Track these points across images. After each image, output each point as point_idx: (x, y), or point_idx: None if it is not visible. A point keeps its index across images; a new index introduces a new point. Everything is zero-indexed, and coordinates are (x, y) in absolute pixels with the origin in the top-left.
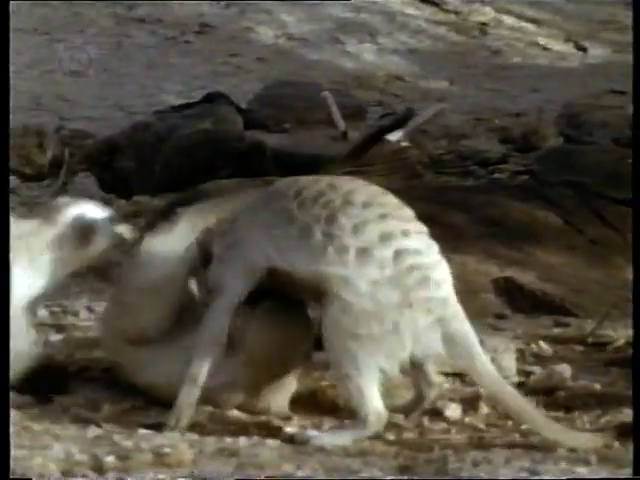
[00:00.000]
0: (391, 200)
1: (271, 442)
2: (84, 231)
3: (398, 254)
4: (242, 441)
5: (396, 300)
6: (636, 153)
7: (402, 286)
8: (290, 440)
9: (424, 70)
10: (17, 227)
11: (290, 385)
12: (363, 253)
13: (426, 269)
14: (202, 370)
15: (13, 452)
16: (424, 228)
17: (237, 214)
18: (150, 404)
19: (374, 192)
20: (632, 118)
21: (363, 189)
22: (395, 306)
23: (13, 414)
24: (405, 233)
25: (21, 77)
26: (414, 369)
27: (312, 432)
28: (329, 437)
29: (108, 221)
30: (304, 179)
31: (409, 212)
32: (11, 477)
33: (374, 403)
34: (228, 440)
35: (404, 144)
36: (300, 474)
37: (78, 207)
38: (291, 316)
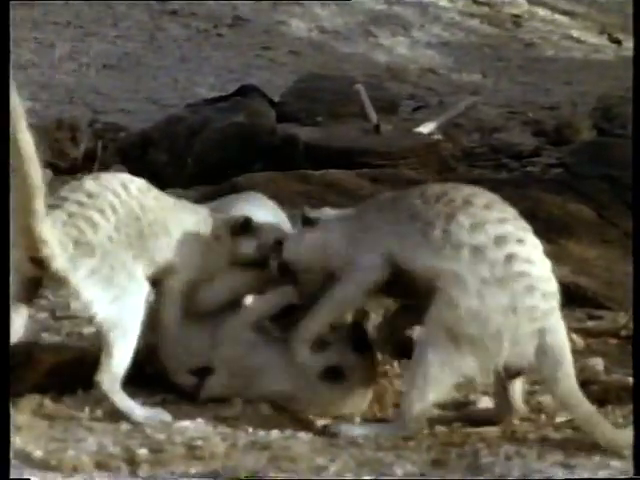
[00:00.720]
0: (511, 209)
1: (303, 435)
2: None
3: (509, 258)
4: (274, 434)
5: (502, 303)
6: (636, 152)
7: (509, 289)
8: (323, 432)
9: (457, 63)
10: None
11: None
12: (477, 252)
13: (535, 279)
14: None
15: (49, 445)
16: (540, 244)
17: (362, 210)
18: (181, 398)
19: (495, 198)
20: (632, 117)
21: (485, 194)
22: (501, 309)
23: (48, 405)
24: (520, 241)
25: (55, 71)
26: (499, 383)
27: (345, 425)
28: (361, 430)
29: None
30: (430, 184)
31: (525, 224)
32: (11, 477)
33: (423, 415)
34: (260, 433)
35: (437, 137)
36: (333, 467)
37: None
38: None
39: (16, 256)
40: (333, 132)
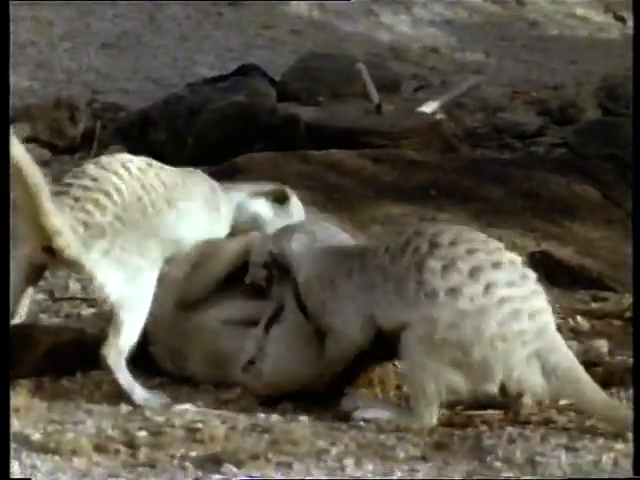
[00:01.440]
0: (478, 236)
1: (304, 418)
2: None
3: (488, 287)
4: (275, 417)
5: (487, 333)
6: (636, 152)
7: (493, 319)
8: (337, 413)
9: (460, 42)
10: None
11: None
12: (453, 292)
13: (519, 301)
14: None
15: (47, 427)
16: (517, 258)
17: (333, 274)
18: (179, 381)
19: (460, 230)
20: (632, 97)
21: (449, 229)
22: (486, 339)
23: (46, 387)
24: (495, 265)
25: (53, 50)
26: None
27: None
28: (373, 413)
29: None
30: (392, 237)
31: (498, 244)
32: (11, 477)
33: (434, 409)
34: (261, 416)
35: (440, 117)
36: (334, 450)
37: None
38: None
39: (26, 248)
40: (334, 112)
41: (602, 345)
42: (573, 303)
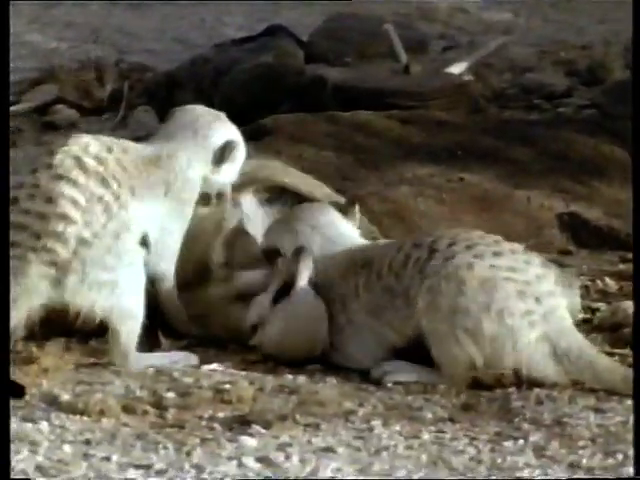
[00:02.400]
0: (475, 233)
1: (332, 379)
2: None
3: (492, 268)
4: (302, 378)
5: (495, 305)
6: (636, 151)
7: (499, 293)
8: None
9: (488, 1)
10: None
11: None
12: (458, 268)
13: (523, 284)
14: None
15: (76, 388)
16: (519, 246)
17: (344, 289)
18: (204, 343)
19: (456, 232)
20: (632, 115)
21: (446, 234)
22: (494, 310)
23: (74, 348)
24: (496, 254)
25: (80, 10)
26: None
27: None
28: (403, 376)
29: None
30: (388, 247)
31: (496, 237)
32: (12, 477)
33: (463, 373)
34: (288, 377)
35: (467, 78)
36: (361, 412)
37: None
38: None
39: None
40: (362, 73)
41: (629, 306)
42: (601, 264)
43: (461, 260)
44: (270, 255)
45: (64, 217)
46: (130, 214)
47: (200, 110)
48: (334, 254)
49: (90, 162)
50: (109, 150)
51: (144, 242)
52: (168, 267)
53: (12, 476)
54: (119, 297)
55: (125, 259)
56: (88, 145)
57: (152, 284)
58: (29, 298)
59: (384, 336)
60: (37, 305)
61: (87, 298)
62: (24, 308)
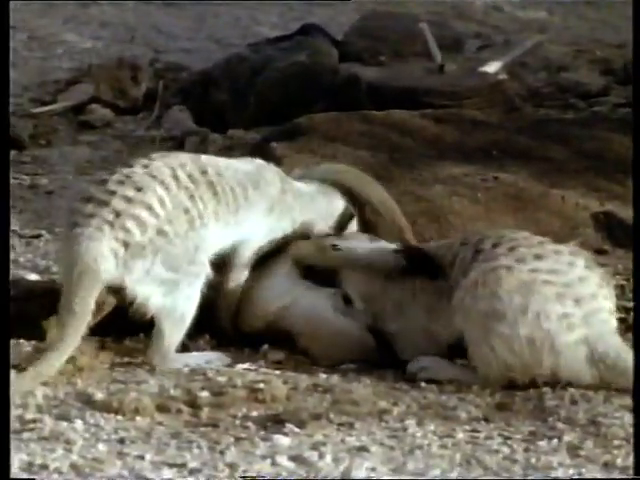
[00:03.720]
0: (520, 234)
1: (366, 378)
2: None
3: (532, 271)
4: (336, 377)
5: (531, 308)
6: (636, 151)
7: (537, 296)
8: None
9: (523, 0)
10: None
11: None
12: (496, 270)
13: (562, 287)
14: None
15: (110, 386)
16: (563, 248)
17: (399, 296)
18: (240, 343)
19: (502, 233)
20: (632, 114)
21: (493, 234)
22: (531, 313)
23: (109, 347)
24: (537, 256)
25: (116, 10)
26: None
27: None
28: (441, 373)
29: None
30: (440, 247)
31: (540, 239)
32: (12, 477)
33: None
34: (322, 376)
35: (502, 77)
36: (396, 410)
37: None
38: None
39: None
40: (396, 72)
41: None
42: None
43: (500, 262)
44: None
45: (149, 207)
46: (210, 234)
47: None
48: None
49: (183, 177)
50: (203, 172)
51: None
52: (243, 260)
53: (12, 476)
54: (175, 299)
55: (193, 269)
56: (185, 164)
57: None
58: (98, 269)
59: (439, 336)
60: (105, 278)
61: (146, 289)
62: (95, 280)
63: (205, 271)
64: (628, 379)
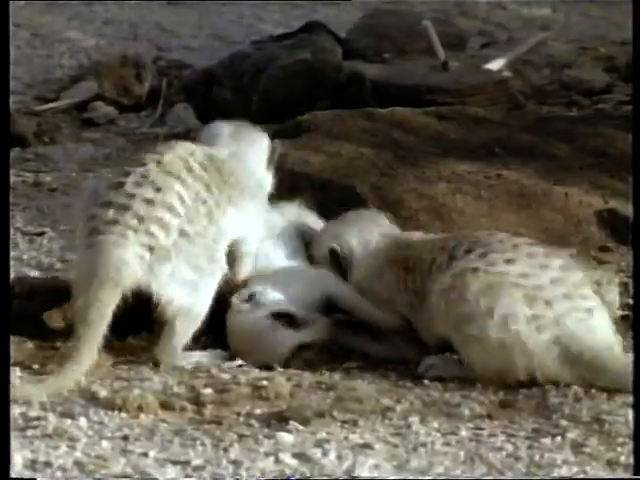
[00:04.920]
0: (495, 237)
1: (369, 376)
2: None
3: (499, 275)
4: (339, 375)
5: (498, 310)
6: (636, 152)
7: (504, 299)
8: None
9: None
10: None
11: None
12: (463, 272)
13: (533, 289)
14: None
15: (114, 384)
16: (539, 249)
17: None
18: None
19: (476, 238)
20: (632, 114)
21: (467, 238)
22: (498, 316)
23: (115, 344)
24: (508, 261)
25: (119, 8)
26: None
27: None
28: (449, 371)
29: None
30: (422, 247)
31: (516, 241)
32: (12, 477)
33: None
34: (326, 374)
35: (506, 74)
36: (399, 408)
37: None
38: None
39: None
40: (400, 69)
41: None
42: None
43: (468, 266)
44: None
45: (171, 208)
46: (227, 222)
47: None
48: (375, 255)
49: (196, 166)
50: (210, 159)
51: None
52: (251, 249)
53: (12, 475)
54: (196, 299)
55: (212, 267)
56: (194, 151)
57: None
58: (121, 278)
59: (422, 336)
60: (127, 285)
61: (171, 291)
62: (115, 290)
63: (222, 268)
64: (610, 378)
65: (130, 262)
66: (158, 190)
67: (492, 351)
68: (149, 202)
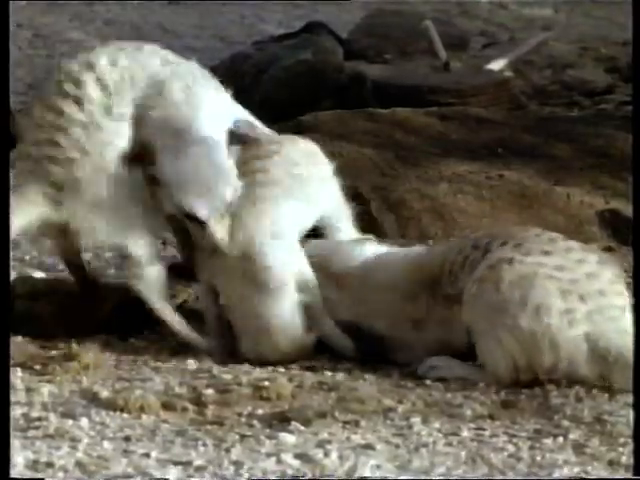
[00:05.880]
0: (531, 231)
1: (370, 376)
2: None
3: (535, 265)
4: (341, 375)
5: (532, 302)
6: (636, 152)
7: (538, 290)
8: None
9: None
10: None
11: None
12: (500, 262)
13: (568, 283)
14: None
15: (115, 384)
16: (575, 244)
17: (408, 310)
18: None
19: (513, 232)
20: (632, 114)
21: (503, 233)
22: (531, 307)
23: (114, 345)
24: (545, 252)
25: (121, 8)
26: None
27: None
28: (450, 372)
29: None
30: (448, 252)
31: (552, 235)
32: (12, 477)
33: (507, 370)
34: (327, 374)
35: (507, 74)
36: (401, 408)
37: None
38: None
39: None
40: (402, 69)
41: None
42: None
43: (503, 256)
44: None
45: (52, 142)
46: (106, 132)
47: None
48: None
49: (70, 87)
50: (113, 63)
51: None
52: None
53: (18, 474)
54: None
55: (112, 178)
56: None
57: None
58: (28, 208)
59: (453, 344)
60: (36, 215)
61: (86, 218)
62: (23, 216)
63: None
64: (626, 378)
65: (34, 199)
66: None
67: (521, 342)
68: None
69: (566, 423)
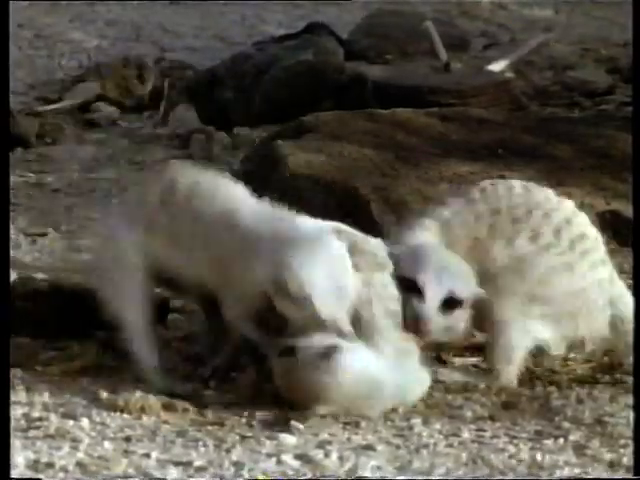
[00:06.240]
0: (550, 194)
1: None
2: None
3: (571, 243)
4: None
5: (574, 286)
6: (636, 153)
7: (578, 272)
8: None
9: None
10: None
11: None
12: (540, 250)
13: (593, 252)
14: None
15: (116, 385)
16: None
17: None
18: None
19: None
20: (632, 115)
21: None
22: (574, 292)
23: (116, 345)
24: (568, 220)
25: (122, 8)
26: None
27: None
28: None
29: None
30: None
31: (570, 203)
32: (12, 477)
33: (515, 370)
34: None
35: (508, 75)
36: (402, 409)
37: None
38: None
39: None
40: (402, 70)
41: None
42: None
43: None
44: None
45: None
46: None
47: None
48: None
49: None
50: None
51: None
52: None
53: (19, 474)
54: None
55: None
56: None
57: None
58: None
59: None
60: None
61: None
62: None
63: None
64: (628, 342)
65: None
66: None
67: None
68: None
69: (567, 424)
